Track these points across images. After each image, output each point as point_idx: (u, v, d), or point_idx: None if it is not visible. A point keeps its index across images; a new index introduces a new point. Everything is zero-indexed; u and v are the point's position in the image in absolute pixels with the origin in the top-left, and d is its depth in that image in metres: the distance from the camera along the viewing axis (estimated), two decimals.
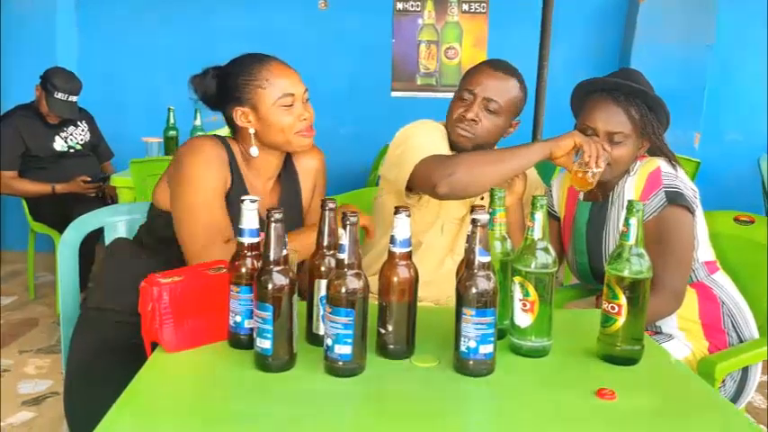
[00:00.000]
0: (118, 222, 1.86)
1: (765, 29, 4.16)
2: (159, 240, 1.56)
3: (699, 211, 1.67)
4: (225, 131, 3.97)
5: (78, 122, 3.47)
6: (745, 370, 1.69)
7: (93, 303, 1.57)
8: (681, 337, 1.69)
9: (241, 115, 1.53)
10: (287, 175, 1.66)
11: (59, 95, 3.27)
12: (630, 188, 1.66)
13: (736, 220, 1.91)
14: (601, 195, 1.73)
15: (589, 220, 1.72)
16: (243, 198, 1.19)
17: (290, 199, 1.65)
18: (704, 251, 1.71)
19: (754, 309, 1.75)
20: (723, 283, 1.73)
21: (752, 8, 4.15)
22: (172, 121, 3.39)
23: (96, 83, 4.29)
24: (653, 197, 1.62)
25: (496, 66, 1.77)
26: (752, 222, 1.89)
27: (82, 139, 3.48)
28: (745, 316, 1.71)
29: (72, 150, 3.42)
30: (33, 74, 3.39)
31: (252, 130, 1.53)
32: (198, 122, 3.45)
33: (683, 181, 1.64)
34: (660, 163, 1.64)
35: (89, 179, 3.25)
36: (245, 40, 4.30)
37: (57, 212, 3.20)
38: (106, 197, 3.36)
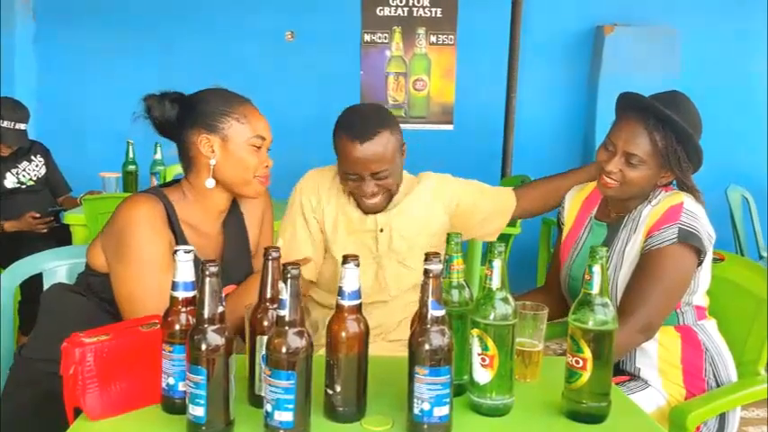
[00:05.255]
0: (58, 267, 1.74)
1: (729, 61, 4.21)
2: (101, 299, 1.46)
3: (708, 257, 1.61)
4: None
5: (33, 157, 3.34)
6: (722, 418, 1.62)
7: (27, 353, 1.47)
8: (658, 384, 1.61)
9: (205, 142, 1.46)
10: (231, 218, 1.58)
11: (5, 124, 3.14)
12: (648, 212, 1.59)
13: None
14: (615, 215, 1.66)
15: (604, 243, 1.64)
16: (176, 248, 1.09)
17: (236, 244, 1.57)
18: (699, 297, 1.65)
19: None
20: (710, 331, 1.66)
21: (715, 41, 4.21)
22: (131, 155, 3.29)
23: (55, 115, 4.18)
24: (666, 228, 1.54)
25: (359, 135, 1.61)
26: (722, 260, 1.83)
27: (35, 175, 3.35)
28: (728, 367, 1.64)
29: (24, 186, 3.29)
30: None
31: (212, 161, 1.46)
32: (158, 156, 3.34)
33: (701, 223, 1.56)
34: (686, 199, 1.58)
35: (37, 215, 3.12)
36: (209, 71, 4.23)
37: (7, 252, 3.05)
38: (60, 233, 3.21)
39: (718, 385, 1.62)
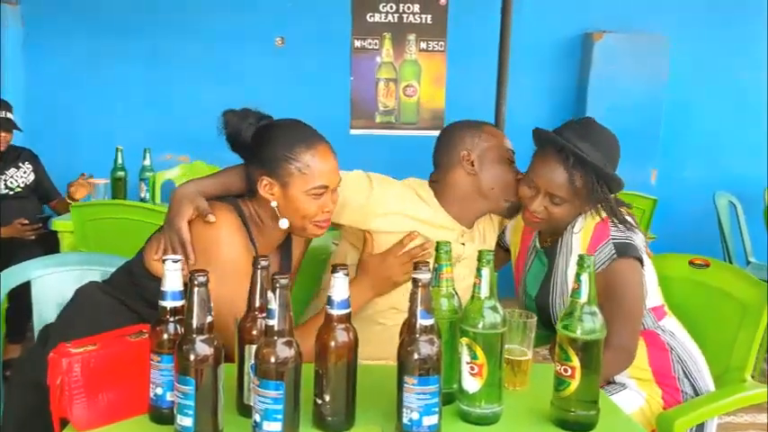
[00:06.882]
0: (47, 276, 1.73)
1: (717, 66, 4.25)
2: (150, 304, 1.40)
3: (647, 259, 1.62)
4: (174, 173, 3.81)
5: (20, 164, 3.33)
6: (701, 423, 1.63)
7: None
8: (633, 385, 1.63)
9: (266, 186, 1.44)
10: (284, 241, 1.60)
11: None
12: (578, 240, 1.60)
13: (690, 263, 1.87)
14: (549, 241, 1.68)
15: (548, 268, 1.66)
16: (165, 258, 1.09)
17: (286, 265, 1.59)
18: (652, 298, 1.66)
19: (710, 356, 1.70)
20: (672, 329, 1.68)
21: (704, 46, 4.25)
22: (120, 161, 3.26)
23: (44, 120, 4.15)
24: (601, 248, 1.56)
25: None
26: (707, 266, 1.85)
27: (23, 182, 3.33)
28: (697, 362, 1.67)
29: (11, 193, 3.27)
30: None
31: (274, 204, 1.45)
32: (147, 162, 3.32)
33: (630, 228, 1.58)
34: None
35: (26, 222, 3.09)
36: (199, 76, 4.23)
37: None
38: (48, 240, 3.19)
39: (687, 379, 1.64)
